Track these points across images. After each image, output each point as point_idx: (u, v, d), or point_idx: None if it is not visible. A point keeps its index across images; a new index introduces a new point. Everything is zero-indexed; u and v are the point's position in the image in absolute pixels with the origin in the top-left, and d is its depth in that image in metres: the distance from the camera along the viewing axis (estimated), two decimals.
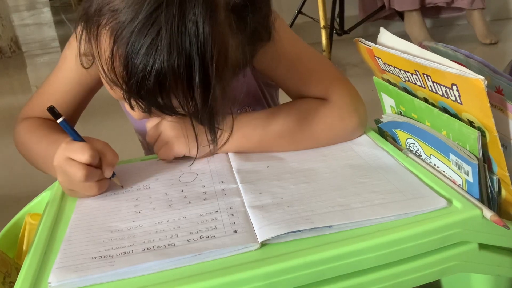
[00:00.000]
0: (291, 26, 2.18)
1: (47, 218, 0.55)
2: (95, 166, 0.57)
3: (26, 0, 5.64)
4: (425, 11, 2.34)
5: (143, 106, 0.50)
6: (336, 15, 2.16)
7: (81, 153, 0.55)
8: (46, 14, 4.70)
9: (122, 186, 0.60)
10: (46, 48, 3.33)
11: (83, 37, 0.53)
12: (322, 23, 1.90)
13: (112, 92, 0.55)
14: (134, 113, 0.56)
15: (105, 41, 0.49)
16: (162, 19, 0.45)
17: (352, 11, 2.38)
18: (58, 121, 0.57)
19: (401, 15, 2.35)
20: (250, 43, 0.53)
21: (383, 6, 2.33)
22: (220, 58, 0.48)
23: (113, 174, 0.59)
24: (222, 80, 0.49)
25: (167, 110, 0.50)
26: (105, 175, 0.58)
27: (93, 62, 0.54)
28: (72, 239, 0.50)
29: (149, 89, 0.47)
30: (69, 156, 0.55)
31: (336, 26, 2.18)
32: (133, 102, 0.50)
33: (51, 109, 0.57)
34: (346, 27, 2.20)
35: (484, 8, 2.25)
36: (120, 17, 0.47)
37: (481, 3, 2.23)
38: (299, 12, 2.21)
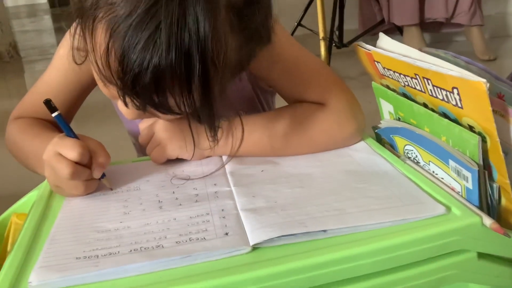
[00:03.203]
0: None
1: (32, 217, 0.53)
2: (85, 165, 0.55)
3: (27, 7, 5.66)
4: (424, 26, 2.35)
5: (137, 104, 0.48)
6: (335, 28, 2.17)
7: (71, 150, 0.53)
8: (47, 21, 4.72)
9: (111, 189, 0.58)
10: (45, 54, 3.32)
11: (78, 31, 0.51)
12: (321, 34, 1.90)
13: (105, 90, 0.54)
14: (127, 112, 0.54)
15: (101, 35, 0.47)
16: (161, 14, 0.43)
17: (351, 25, 2.39)
18: (53, 115, 0.55)
19: (400, 29, 2.36)
20: (249, 43, 0.52)
21: (382, 20, 2.34)
22: (220, 57, 0.47)
23: (103, 176, 0.57)
24: (221, 79, 0.48)
25: (162, 108, 0.49)
26: (93, 175, 0.56)
27: (86, 58, 0.53)
28: (57, 238, 0.48)
29: (144, 85, 0.45)
30: (58, 151, 0.53)
31: (335, 39, 2.18)
32: (127, 100, 0.48)
33: (48, 102, 0.55)
34: (345, 40, 2.21)
35: (483, 25, 2.27)
36: (117, 10, 0.45)
37: (480, 20, 2.24)
38: (299, 24, 2.22)
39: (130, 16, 0.44)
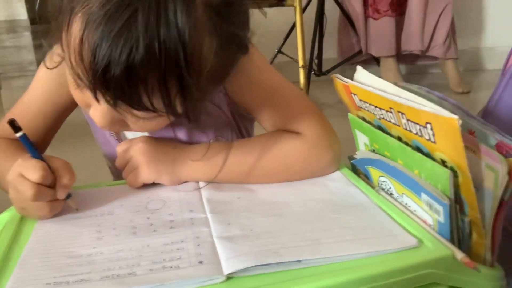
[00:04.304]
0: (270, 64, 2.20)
1: (2, 240, 0.51)
2: (49, 186, 0.54)
3: (7, 22, 5.60)
4: (401, 58, 2.41)
5: (108, 98, 0.47)
6: (315, 57, 2.21)
7: (33, 171, 0.52)
8: (26, 38, 4.65)
9: (77, 209, 0.57)
10: (23, 71, 3.27)
11: (54, 33, 0.51)
12: (300, 62, 1.93)
13: (78, 95, 0.53)
14: (98, 118, 0.54)
15: (76, 28, 0.47)
16: (138, 3, 0.43)
17: (330, 54, 2.43)
18: (18, 135, 0.55)
19: (377, 60, 2.41)
20: (228, 47, 0.52)
21: (360, 51, 2.39)
22: (197, 53, 0.46)
23: (69, 196, 0.57)
24: (200, 80, 0.47)
25: (134, 103, 0.48)
26: (57, 196, 0.55)
27: (59, 63, 0.53)
28: (27, 263, 0.47)
29: (116, 77, 0.45)
30: (21, 173, 0.53)
31: (315, 67, 2.22)
32: (99, 95, 0.47)
33: (11, 122, 0.54)
34: (324, 69, 2.25)
35: (457, 58, 2.33)
36: (92, 2, 0.45)
37: (454, 53, 2.31)
38: (279, 51, 2.25)
39: (105, 5, 0.44)
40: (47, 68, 0.57)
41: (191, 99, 0.48)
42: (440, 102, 0.56)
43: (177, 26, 0.44)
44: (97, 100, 0.49)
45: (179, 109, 0.49)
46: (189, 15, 0.44)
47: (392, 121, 0.54)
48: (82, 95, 0.53)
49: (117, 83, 0.45)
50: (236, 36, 0.53)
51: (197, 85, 0.47)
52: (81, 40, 0.46)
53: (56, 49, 0.52)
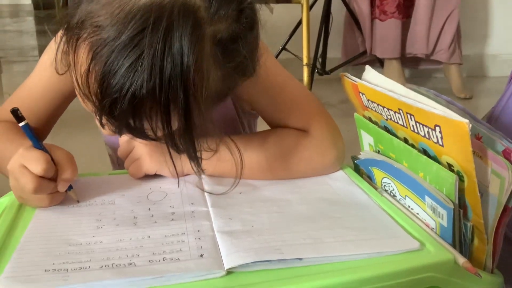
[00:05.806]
0: None
1: (1, 225, 0.51)
2: (50, 178, 0.53)
3: (11, 7, 5.58)
4: (405, 60, 2.40)
5: (113, 127, 0.48)
6: (319, 56, 2.20)
7: (36, 164, 0.51)
8: (29, 23, 4.64)
9: (78, 201, 0.57)
10: (25, 56, 3.26)
11: (62, 44, 0.51)
12: (305, 60, 1.93)
13: (84, 104, 0.54)
14: (102, 128, 0.54)
15: (83, 56, 0.47)
16: (145, 43, 0.44)
17: (334, 53, 2.42)
18: (20, 124, 0.54)
19: (381, 62, 2.40)
20: (233, 76, 0.52)
21: (364, 52, 2.39)
22: (201, 88, 0.47)
23: (70, 187, 0.56)
24: (201, 109, 0.48)
25: (138, 133, 0.49)
26: (58, 189, 0.54)
27: (68, 69, 0.53)
28: (26, 248, 0.47)
29: (122, 111, 0.45)
30: (23, 164, 0.52)
31: (318, 66, 2.21)
32: (104, 120, 0.48)
33: (15, 112, 0.54)
34: (327, 68, 2.24)
35: (461, 64, 2.33)
36: (102, 34, 0.45)
37: (458, 59, 2.31)
38: (283, 48, 2.24)
39: (114, 41, 0.44)
40: (58, 73, 0.57)
41: (193, 128, 0.48)
42: (447, 106, 0.56)
43: (182, 64, 0.44)
44: (102, 125, 0.49)
45: (179, 141, 0.49)
46: (195, 53, 0.45)
47: (400, 122, 0.54)
48: (86, 106, 0.53)
49: (122, 116, 0.46)
50: (243, 64, 0.52)
51: (201, 113, 0.48)
52: (88, 70, 0.46)
53: (62, 52, 0.51)
